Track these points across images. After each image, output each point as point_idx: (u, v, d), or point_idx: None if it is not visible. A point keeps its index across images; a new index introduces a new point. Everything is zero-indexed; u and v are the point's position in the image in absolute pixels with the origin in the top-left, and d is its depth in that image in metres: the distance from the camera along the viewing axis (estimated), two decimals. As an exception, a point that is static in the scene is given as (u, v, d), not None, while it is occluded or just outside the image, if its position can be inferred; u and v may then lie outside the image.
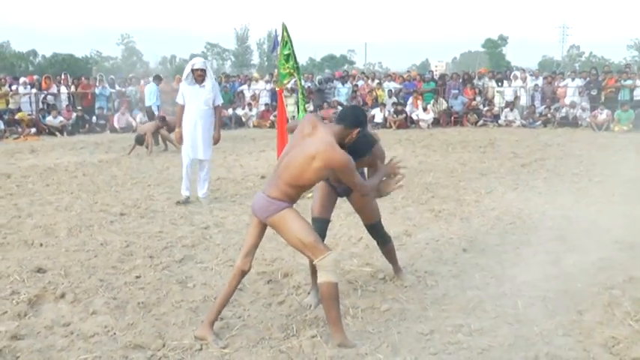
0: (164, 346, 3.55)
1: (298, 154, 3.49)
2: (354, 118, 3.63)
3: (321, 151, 3.41)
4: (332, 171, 3.53)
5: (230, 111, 18.77)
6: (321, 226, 4.21)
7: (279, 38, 8.67)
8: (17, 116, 16.49)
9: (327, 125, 3.59)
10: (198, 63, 7.40)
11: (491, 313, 3.98)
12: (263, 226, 3.64)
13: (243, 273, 3.67)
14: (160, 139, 12.88)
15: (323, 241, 3.87)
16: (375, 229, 4.49)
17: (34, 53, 60.00)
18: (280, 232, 3.55)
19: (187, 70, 7.43)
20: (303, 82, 9.15)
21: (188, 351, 3.50)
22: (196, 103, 7.35)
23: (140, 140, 12.31)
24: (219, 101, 7.57)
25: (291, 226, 3.48)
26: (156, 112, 15.11)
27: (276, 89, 16.62)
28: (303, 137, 3.56)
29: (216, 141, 7.61)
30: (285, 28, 8.23)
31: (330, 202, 4.29)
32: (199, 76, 7.29)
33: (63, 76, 19.87)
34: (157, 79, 16.73)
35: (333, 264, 3.46)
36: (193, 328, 3.76)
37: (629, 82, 17.45)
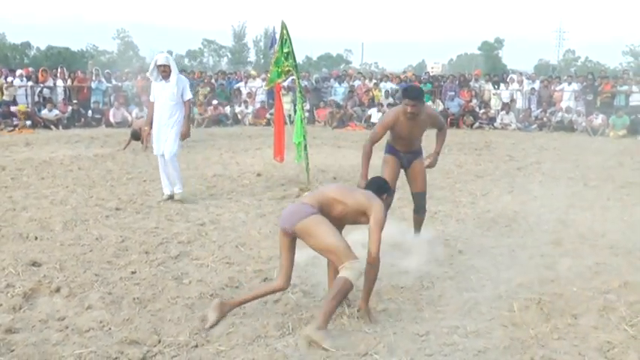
0: (160, 342, 3.54)
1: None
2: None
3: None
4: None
5: (227, 108, 18.75)
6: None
7: (277, 36, 8.65)
8: (16, 109, 16.39)
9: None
10: (160, 59, 7.35)
11: (487, 315, 4.00)
12: (290, 242, 3.79)
13: (282, 290, 3.90)
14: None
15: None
16: (423, 197, 5.59)
17: (28, 45, 59.62)
18: (309, 236, 3.66)
19: (152, 66, 7.39)
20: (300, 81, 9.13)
21: (184, 347, 3.49)
22: (163, 99, 7.31)
23: (136, 135, 12.24)
24: (188, 96, 7.45)
25: (322, 230, 3.62)
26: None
27: (266, 88, 16.73)
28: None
29: (183, 136, 7.44)
30: (284, 26, 8.20)
31: (396, 176, 5.45)
32: (163, 71, 7.26)
33: (59, 70, 19.77)
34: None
35: (360, 270, 3.62)
36: (189, 325, 3.76)
37: (624, 87, 17.53)
